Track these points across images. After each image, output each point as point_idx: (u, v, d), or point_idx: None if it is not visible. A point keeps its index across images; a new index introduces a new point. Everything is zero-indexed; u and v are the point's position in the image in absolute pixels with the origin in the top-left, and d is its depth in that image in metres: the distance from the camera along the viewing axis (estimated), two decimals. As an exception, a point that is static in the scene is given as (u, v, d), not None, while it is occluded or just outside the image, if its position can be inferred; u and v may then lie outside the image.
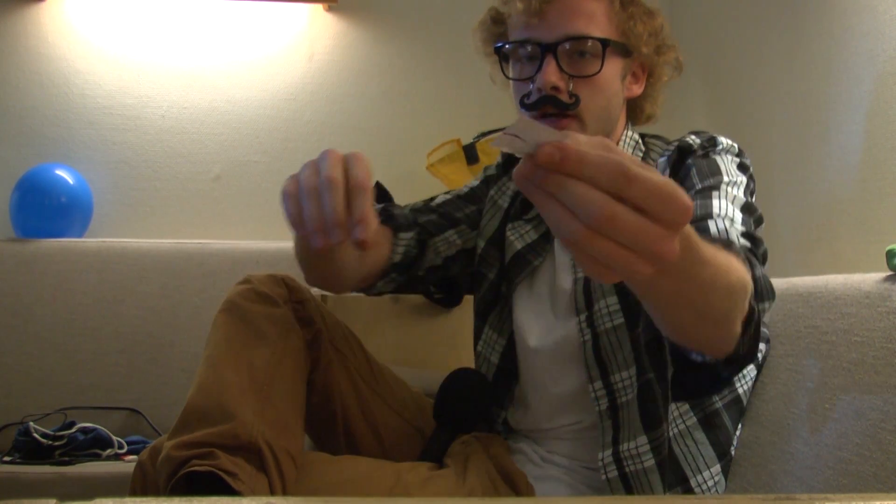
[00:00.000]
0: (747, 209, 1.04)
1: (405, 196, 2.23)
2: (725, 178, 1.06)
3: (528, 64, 1.17)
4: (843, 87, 1.55)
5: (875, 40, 1.45)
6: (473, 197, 1.37)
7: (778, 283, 1.29)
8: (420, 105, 2.54)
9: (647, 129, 1.30)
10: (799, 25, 1.72)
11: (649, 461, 1.09)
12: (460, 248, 1.34)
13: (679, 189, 0.55)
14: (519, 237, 1.29)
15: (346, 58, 2.54)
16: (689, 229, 0.67)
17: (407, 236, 1.25)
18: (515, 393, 1.28)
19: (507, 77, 1.21)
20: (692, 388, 0.99)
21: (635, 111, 1.26)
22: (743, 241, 0.95)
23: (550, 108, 1.13)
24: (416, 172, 2.38)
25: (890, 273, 1.06)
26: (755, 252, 0.97)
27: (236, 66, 2.50)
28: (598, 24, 1.14)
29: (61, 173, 2.32)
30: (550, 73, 1.12)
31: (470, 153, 2.18)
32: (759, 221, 1.06)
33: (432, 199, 1.38)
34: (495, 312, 1.31)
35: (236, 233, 2.45)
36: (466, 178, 2.16)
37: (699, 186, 1.06)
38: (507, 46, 1.19)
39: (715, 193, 1.03)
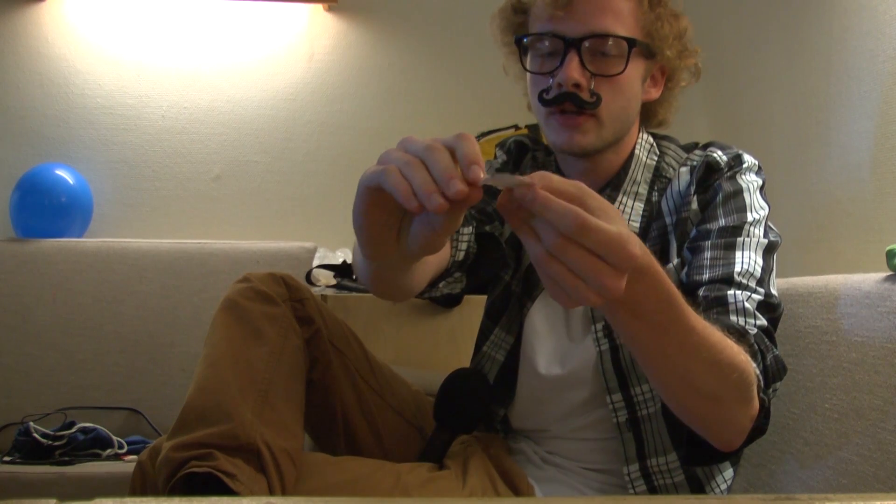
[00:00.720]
0: (769, 249, 1.07)
1: (405, 196, 2.23)
2: (749, 217, 1.06)
3: (548, 58, 1.13)
4: (843, 87, 1.55)
5: (875, 40, 1.45)
6: (489, 191, 1.34)
7: (778, 283, 1.29)
8: (420, 105, 2.54)
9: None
10: (799, 25, 1.72)
11: (679, 476, 1.09)
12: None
13: (627, 241, 0.63)
14: None
15: (346, 58, 2.54)
16: (675, 292, 0.77)
17: (467, 231, 1.18)
18: (518, 394, 1.27)
19: (526, 69, 1.16)
20: (703, 458, 1.01)
21: (648, 115, 1.23)
22: (759, 321, 0.99)
23: (570, 106, 1.09)
24: (416, 172, 2.38)
25: (890, 273, 1.06)
26: (771, 327, 1.01)
27: (236, 66, 2.50)
28: (624, 22, 1.11)
29: (61, 173, 2.32)
30: (573, 70, 1.08)
31: (470, 153, 2.18)
32: (777, 248, 1.10)
33: None
34: (507, 316, 1.29)
35: (236, 233, 2.45)
36: (466, 178, 2.16)
37: (722, 223, 1.06)
38: (527, 38, 1.15)
39: (738, 242, 1.04)
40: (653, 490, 1.10)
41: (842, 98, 1.55)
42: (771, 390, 0.96)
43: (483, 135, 2.23)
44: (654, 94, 1.20)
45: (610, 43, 1.10)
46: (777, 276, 1.11)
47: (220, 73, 2.49)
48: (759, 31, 1.91)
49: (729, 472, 1.15)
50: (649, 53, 1.14)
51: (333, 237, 2.39)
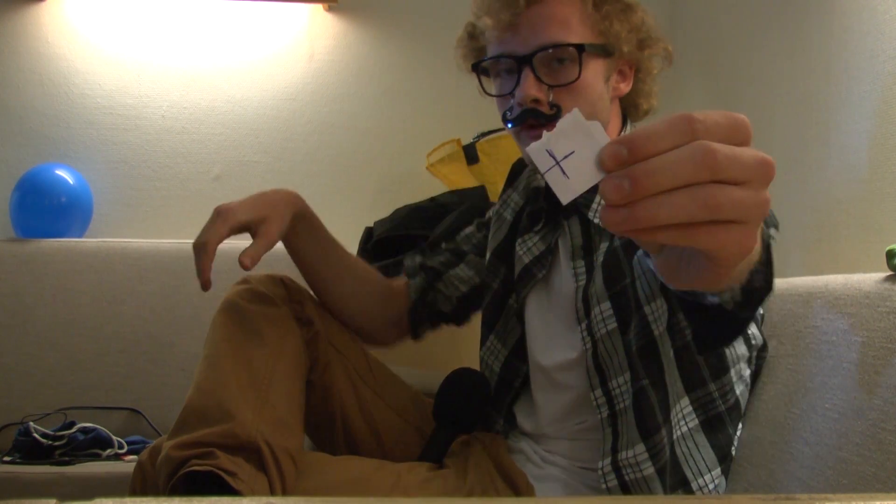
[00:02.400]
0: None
1: (405, 196, 2.23)
2: None
3: (507, 78, 1.15)
4: (844, 87, 1.55)
5: (875, 40, 1.45)
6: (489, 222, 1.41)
7: (778, 283, 1.29)
8: (420, 105, 2.54)
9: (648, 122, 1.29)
10: (799, 25, 1.72)
11: (648, 469, 1.08)
12: (476, 282, 1.37)
13: (728, 112, 0.49)
14: (527, 251, 1.28)
15: (346, 58, 2.54)
16: None
17: (415, 282, 1.38)
18: (521, 398, 1.28)
19: (488, 94, 1.20)
20: (713, 338, 0.89)
21: (630, 108, 1.25)
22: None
23: (533, 121, 1.12)
24: (416, 172, 2.38)
25: (890, 273, 1.06)
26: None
27: (236, 66, 2.50)
28: (572, 29, 1.12)
29: (61, 173, 2.32)
30: (529, 87, 1.11)
31: (470, 153, 2.18)
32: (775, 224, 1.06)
33: (451, 230, 1.39)
34: (501, 322, 1.31)
35: (236, 233, 2.45)
36: (466, 178, 2.16)
37: None
38: (484, 63, 1.18)
39: None
40: (623, 484, 1.08)
41: (842, 98, 1.55)
42: (769, 234, 0.82)
43: (483, 135, 2.23)
44: (625, 88, 1.21)
45: (561, 52, 1.11)
46: (777, 275, 1.11)
47: (220, 73, 2.49)
48: (759, 31, 1.91)
49: (717, 471, 1.14)
50: (606, 52, 1.15)
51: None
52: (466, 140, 2.20)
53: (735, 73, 2.05)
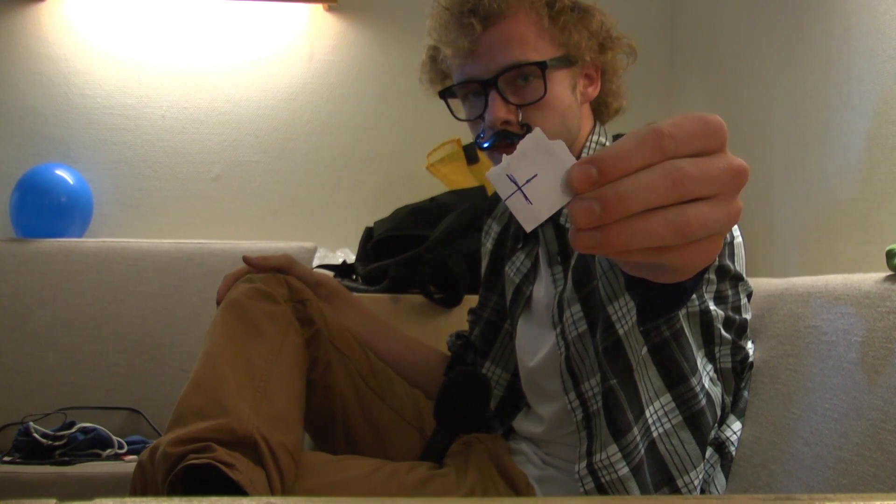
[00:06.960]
0: None
1: (405, 196, 2.23)
2: None
3: (475, 101, 1.16)
4: (843, 87, 1.55)
5: (875, 40, 1.45)
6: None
7: (778, 283, 1.29)
8: (420, 105, 2.53)
9: (618, 123, 1.29)
10: (799, 25, 1.72)
11: (623, 469, 1.05)
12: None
13: (702, 114, 0.47)
14: (516, 271, 1.28)
15: (346, 58, 2.54)
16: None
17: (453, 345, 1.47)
18: (521, 406, 1.29)
19: (459, 119, 1.20)
20: (659, 308, 0.86)
21: (601, 108, 1.25)
22: None
23: (506, 143, 1.12)
24: (416, 172, 2.38)
25: (890, 273, 1.06)
26: None
27: (236, 66, 2.50)
28: (532, 46, 1.12)
29: (61, 173, 2.32)
30: (497, 109, 1.11)
31: (470, 153, 2.18)
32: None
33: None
34: (497, 348, 1.32)
35: (236, 233, 2.45)
36: (466, 178, 2.16)
37: None
38: (451, 88, 1.19)
39: None
40: (600, 486, 1.06)
41: (842, 98, 1.55)
42: None
43: (483, 135, 2.23)
44: (594, 92, 1.21)
45: (523, 71, 1.11)
46: (777, 275, 1.11)
47: (220, 73, 2.49)
48: (759, 31, 1.91)
49: (700, 466, 1.13)
50: (569, 63, 1.15)
51: (333, 237, 2.38)
52: (466, 140, 2.21)
53: (735, 72, 2.05)
